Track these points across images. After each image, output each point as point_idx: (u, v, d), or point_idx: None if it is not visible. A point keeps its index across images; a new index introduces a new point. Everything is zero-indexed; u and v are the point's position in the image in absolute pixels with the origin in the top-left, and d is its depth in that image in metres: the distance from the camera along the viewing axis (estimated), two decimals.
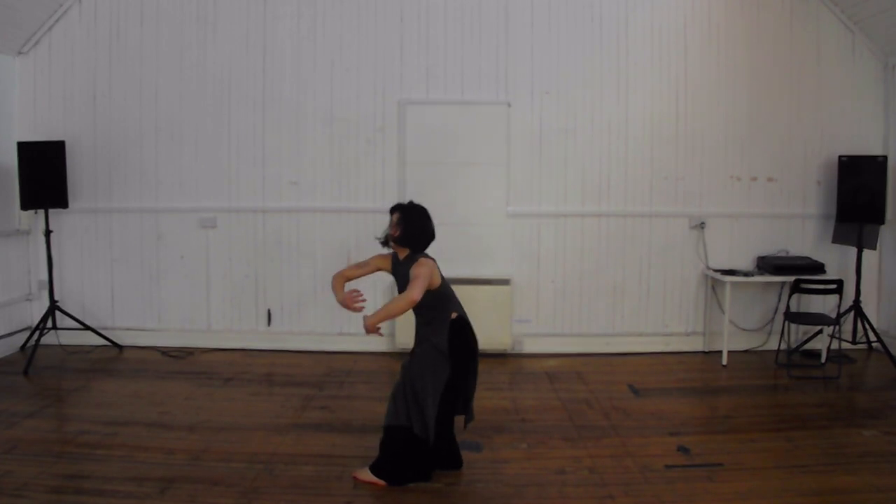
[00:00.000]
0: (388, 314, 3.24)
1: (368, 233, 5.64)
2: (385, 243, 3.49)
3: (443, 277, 3.38)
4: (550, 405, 4.48)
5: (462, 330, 3.35)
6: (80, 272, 5.78)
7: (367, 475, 3.31)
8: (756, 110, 5.70)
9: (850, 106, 5.71)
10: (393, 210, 3.45)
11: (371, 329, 3.20)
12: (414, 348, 3.43)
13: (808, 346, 5.59)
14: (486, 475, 3.43)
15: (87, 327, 5.57)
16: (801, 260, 5.51)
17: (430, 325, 3.35)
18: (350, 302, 3.35)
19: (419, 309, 3.34)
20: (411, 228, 3.36)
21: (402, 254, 3.42)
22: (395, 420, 3.29)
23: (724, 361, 5.37)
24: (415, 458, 3.29)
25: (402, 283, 3.36)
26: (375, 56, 5.65)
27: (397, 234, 3.37)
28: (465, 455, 3.54)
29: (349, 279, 3.48)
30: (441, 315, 3.33)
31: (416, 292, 3.16)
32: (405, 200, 3.53)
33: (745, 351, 5.69)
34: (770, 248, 5.72)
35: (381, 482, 3.27)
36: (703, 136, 5.70)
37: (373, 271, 3.54)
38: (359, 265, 3.55)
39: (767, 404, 4.57)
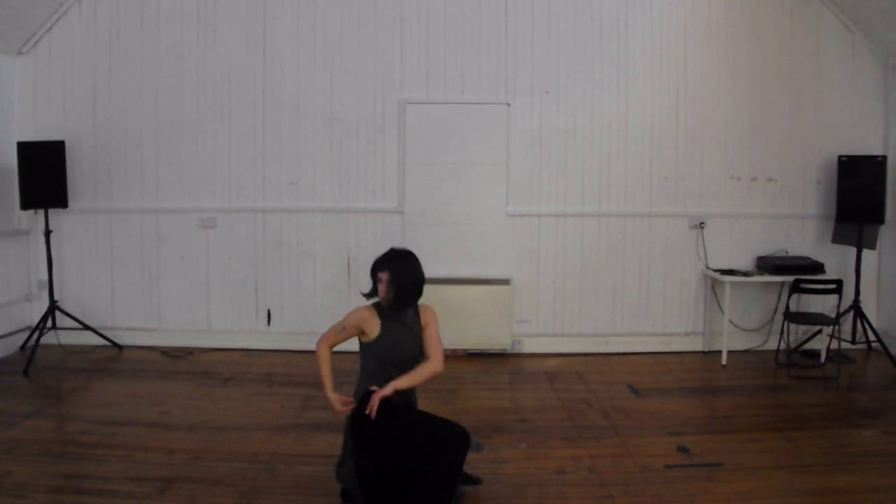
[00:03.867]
0: (412, 384, 3.00)
1: (368, 233, 5.67)
2: (370, 297, 3.16)
3: None
4: (550, 405, 4.48)
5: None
6: (80, 272, 5.78)
7: None
8: (756, 110, 5.70)
9: (850, 106, 5.71)
10: (379, 268, 3.08)
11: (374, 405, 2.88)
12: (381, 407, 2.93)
13: (807, 346, 5.59)
14: (486, 475, 3.43)
15: (87, 327, 5.57)
16: (801, 260, 5.51)
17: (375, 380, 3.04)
18: (339, 405, 3.06)
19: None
20: (404, 288, 3.03)
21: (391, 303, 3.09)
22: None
23: (724, 361, 5.37)
24: None
25: (400, 333, 3.08)
26: (375, 56, 5.65)
27: (390, 298, 3.04)
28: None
29: (334, 345, 3.14)
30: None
31: (442, 361, 3.03)
32: (386, 251, 3.19)
33: (745, 351, 5.69)
34: (770, 248, 5.72)
35: None
36: (703, 136, 5.70)
37: (354, 335, 3.12)
38: (340, 331, 3.11)
39: (767, 404, 4.57)
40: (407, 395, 3.09)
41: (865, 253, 5.50)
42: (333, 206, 5.69)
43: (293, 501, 3.18)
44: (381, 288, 3.06)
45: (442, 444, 2.87)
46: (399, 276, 3.03)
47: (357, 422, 2.98)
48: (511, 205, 5.68)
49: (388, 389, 2.94)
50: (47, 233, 5.44)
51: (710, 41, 5.67)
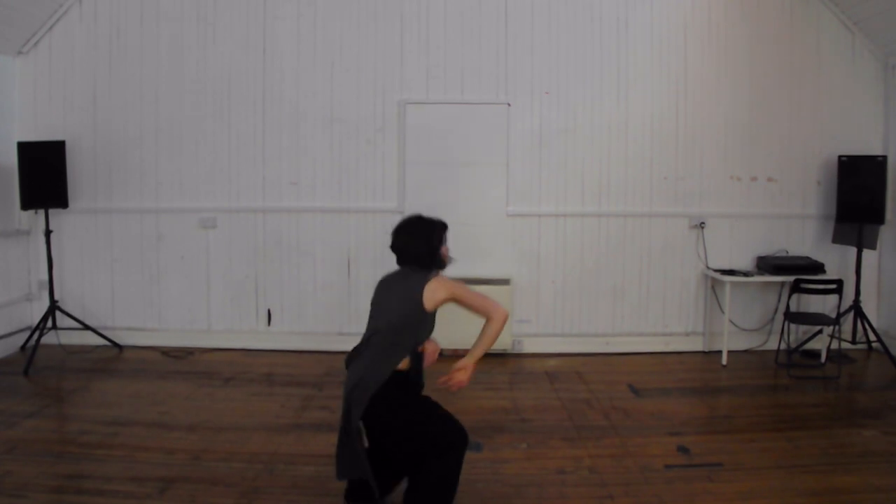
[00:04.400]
0: (487, 346, 2.96)
1: (368, 233, 5.67)
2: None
3: None
4: (550, 405, 4.48)
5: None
6: (80, 272, 5.78)
7: None
8: (756, 110, 5.70)
9: (850, 106, 5.71)
10: (441, 236, 3.09)
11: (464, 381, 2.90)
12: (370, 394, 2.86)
13: (807, 346, 5.59)
14: (486, 475, 3.44)
15: (87, 327, 5.57)
16: (801, 260, 5.51)
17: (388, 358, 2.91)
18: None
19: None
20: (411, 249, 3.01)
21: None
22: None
23: (724, 361, 5.37)
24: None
25: (386, 301, 3.03)
26: (375, 56, 5.65)
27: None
28: (466, 455, 3.52)
29: None
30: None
31: (493, 303, 2.95)
32: (408, 213, 3.15)
33: (745, 351, 5.69)
34: (770, 248, 5.72)
35: None
36: (703, 136, 5.70)
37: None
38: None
39: (767, 404, 4.57)
40: (420, 374, 3.02)
41: (865, 253, 5.50)
42: (333, 206, 5.70)
43: (293, 501, 3.18)
44: (446, 249, 3.08)
45: (447, 445, 2.86)
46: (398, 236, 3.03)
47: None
48: (511, 205, 5.68)
49: (471, 362, 3.01)
50: (47, 233, 5.44)
51: (710, 41, 5.67)
